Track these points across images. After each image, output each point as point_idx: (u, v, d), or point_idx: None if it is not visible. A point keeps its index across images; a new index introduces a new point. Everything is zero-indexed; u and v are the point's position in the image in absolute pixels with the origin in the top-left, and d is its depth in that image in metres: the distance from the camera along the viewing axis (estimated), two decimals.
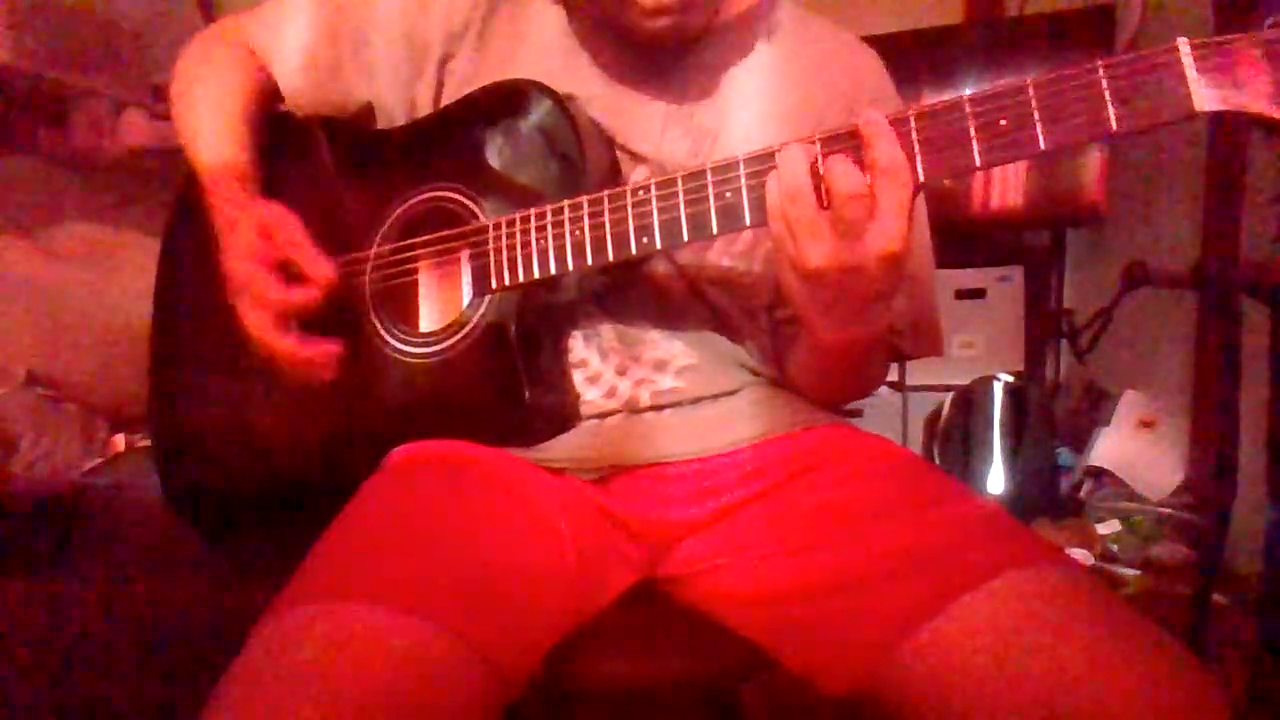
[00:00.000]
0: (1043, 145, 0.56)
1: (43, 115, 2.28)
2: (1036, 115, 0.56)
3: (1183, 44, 0.53)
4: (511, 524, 0.70)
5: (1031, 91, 0.57)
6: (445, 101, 0.84)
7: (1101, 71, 0.55)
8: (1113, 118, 0.55)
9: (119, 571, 1.48)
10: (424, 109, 0.86)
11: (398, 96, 0.86)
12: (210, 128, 0.86)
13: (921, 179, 0.60)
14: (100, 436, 1.84)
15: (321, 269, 0.78)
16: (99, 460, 1.77)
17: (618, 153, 0.82)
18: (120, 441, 1.86)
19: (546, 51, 0.83)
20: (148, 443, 1.85)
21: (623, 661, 0.74)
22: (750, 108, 0.83)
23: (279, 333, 0.78)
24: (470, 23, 0.84)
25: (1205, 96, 0.53)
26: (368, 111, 0.88)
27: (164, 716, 1.22)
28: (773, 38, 0.85)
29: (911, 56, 2.31)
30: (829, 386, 0.83)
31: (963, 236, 2.33)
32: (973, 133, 0.58)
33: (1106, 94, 0.55)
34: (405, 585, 0.58)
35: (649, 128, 0.82)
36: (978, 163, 0.58)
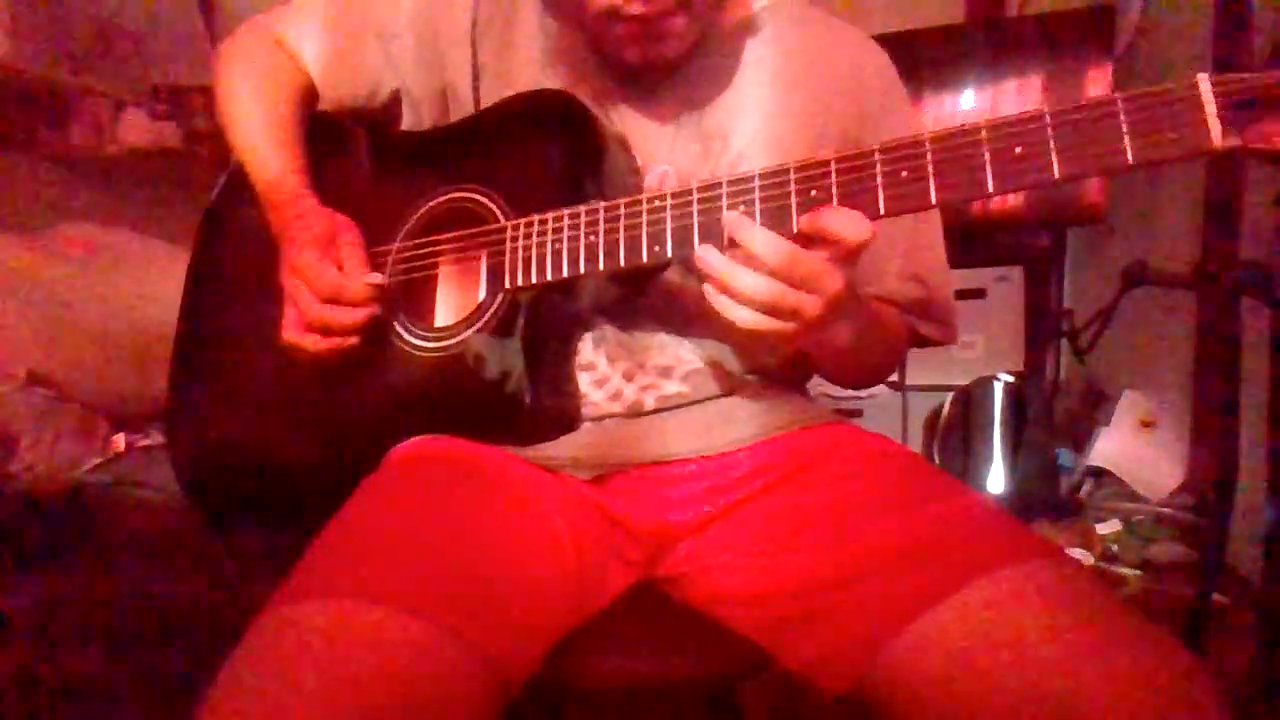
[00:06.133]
0: (1057, 174, 0.57)
1: (43, 115, 2.28)
2: (1052, 144, 0.56)
3: (1203, 80, 0.53)
4: (510, 523, 0.70)
5: (1048, 120, 0.57)
6: (484, 91, 0.86)
7: (1120, 105, 0.55)
8: (1129, 150, 0.55)
9: (119, 570, 1.49)
10: (459, 98, 0.87)
11: (425, 86, 0.88)
12: (265, 136, 0.89)
13: (934, 201, 0.60)
14: (100, 436, 1.84)
15: (359, 292, 0.78)
16: (99, 460, 1.77)
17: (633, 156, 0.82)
18: (120, 441, 1.86)
19: (565, 56, 0.84)
20: (148, 442, 1.86)
21: (623, 661, 0.74)
22: (757, 107, 0.83)
23: (305, 331, 0.80)
24: (494, 18, 0.86)
25: (1223, 133, 0.52)
26: (395, 101, 0.90)
27: (163, 713, 1.22)
28: (777, 35, 0.86)
29: (911, 56, 2.31)
30: (858, 372, 0.87)
31: (963, 237, 2.33)
32: (987, 158, 0.58)
33: (1124, 127, 0.55)
34: (404, 584, 0.58)
35: (660, 134, 0.83)
36: (990, 189, 0.58)
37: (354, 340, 0.79)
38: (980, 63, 2.31)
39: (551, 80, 0.84)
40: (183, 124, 2.45)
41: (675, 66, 0.81)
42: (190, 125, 2.47)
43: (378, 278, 0.79)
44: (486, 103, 0.86)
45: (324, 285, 0.77)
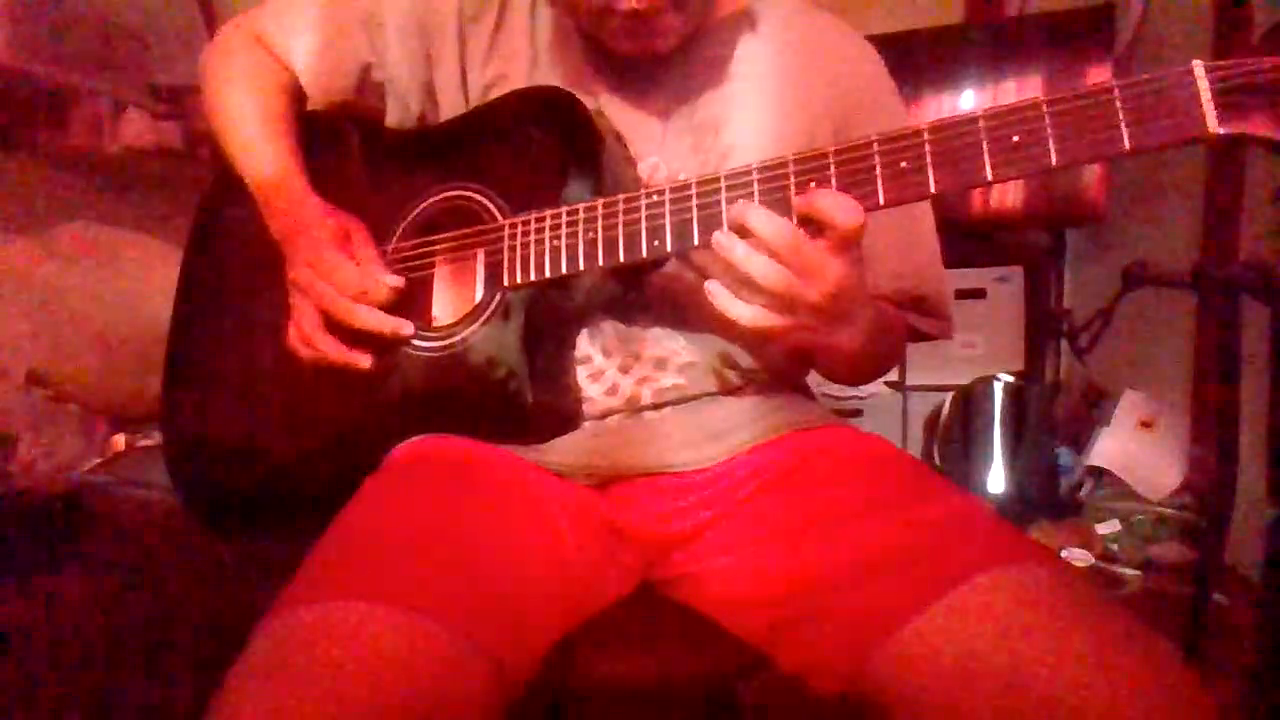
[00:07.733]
0: (1055, 161, 0.57)
1: (43, 115, 2.28)
2: (1050, 132, 0.57)
3: (1198, 66, 0.53)
4: (512, 522, 0.70)
5: (1045, 108, 0.57)
6: (471, 83, 0.85)
7: (1117, 92, 0.55)
8: (1125, 137, 0.55)
9: (119, 571, 1.49)
10: (447, 90, 0.86)
11: (411, 78, 0.86)
12: (258, 139, 0.87)
13: (933, 191, 0.61)
14: (100, 436, 1.84)
15: (382, 294, 0.78)
16: (99, 460, 1.77)
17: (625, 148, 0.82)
18: (120, 441, 1.86)
19: (556, 47, 0.84)
20: (148, 442, 1.86)
21: (623, 661, 0.74)
22: (749, 101, 0.83)
23: (325, 334, 0.79)
24: (484, 12, 0.85)
25: (1219, 119, 0.53)
26: (381, 94, 0.88)
27: (166, 716, 1.22)
28: (770, 31, 0.86)
29: (911, 56, 2.31)
30: (863, 374, 0.86)
31: (963, 236, 2.33)
32: (985, 147, 0.59)
33: (1120, 114, 0.55)
34: (408, 584, 0.58)
35: (652, 126, 0.83)
36: (989, 177, 0.59)
37: (367, 362, 0.79)
38: (980, 63, 2.31)
39: (542, 72, 0.83)
40: (183, 124, 2.45)
41: (668, 59, 0.81)
42: (190, 125, 2.47)
43: (398, 280, 0.79)
44: (474, 94, 0.85)
45: (351, 284, 0.77)
